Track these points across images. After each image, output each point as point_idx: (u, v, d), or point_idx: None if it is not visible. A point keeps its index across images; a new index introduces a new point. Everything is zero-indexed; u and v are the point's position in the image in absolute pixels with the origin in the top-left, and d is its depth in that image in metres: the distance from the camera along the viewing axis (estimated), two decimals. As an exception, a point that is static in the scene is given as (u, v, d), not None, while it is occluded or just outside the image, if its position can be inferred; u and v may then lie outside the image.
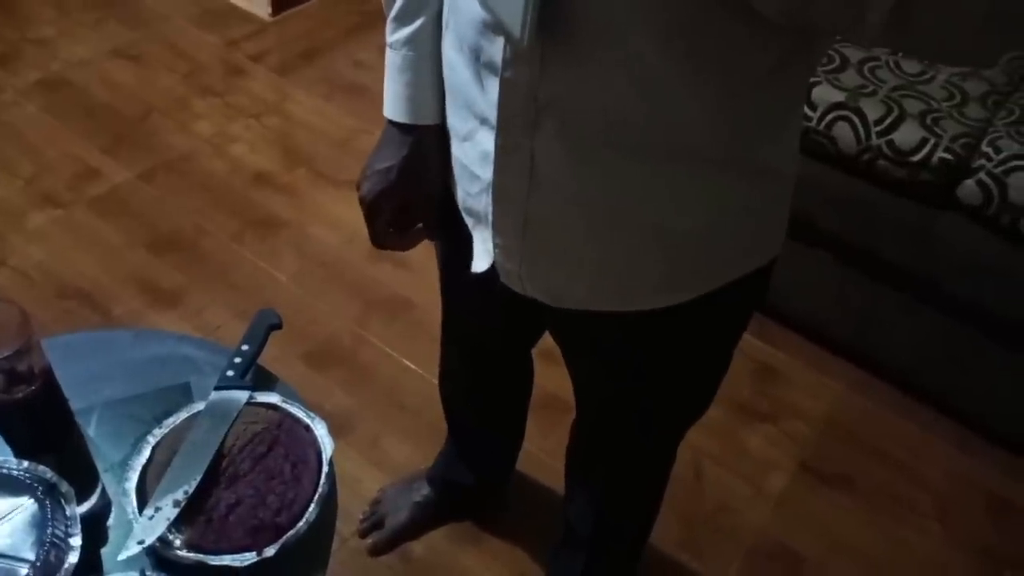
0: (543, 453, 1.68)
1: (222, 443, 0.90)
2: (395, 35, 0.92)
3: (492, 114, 0.79)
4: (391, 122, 0.95)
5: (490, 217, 0.87)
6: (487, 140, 0.81)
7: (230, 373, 0.97)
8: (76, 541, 0.76)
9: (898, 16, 0.57)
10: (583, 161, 0.77)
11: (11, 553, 0.73)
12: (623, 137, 0.75)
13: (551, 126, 0.76)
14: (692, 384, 1.06)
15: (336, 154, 2.43)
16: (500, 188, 0.83)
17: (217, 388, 0.96)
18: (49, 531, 0.75)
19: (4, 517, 0.75)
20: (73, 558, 0.75)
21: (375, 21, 2.84)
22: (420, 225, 1.01)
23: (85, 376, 0.99)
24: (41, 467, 0.79)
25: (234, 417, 0.93)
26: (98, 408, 0.98)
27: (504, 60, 0.74)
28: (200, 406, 0.95)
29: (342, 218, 2.23)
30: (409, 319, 2.01)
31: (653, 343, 0.95)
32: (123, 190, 2.28)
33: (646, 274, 0.86)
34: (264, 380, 1.01)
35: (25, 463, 0.79)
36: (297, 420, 0.94)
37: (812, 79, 1.73)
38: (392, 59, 0.93)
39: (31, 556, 0.73)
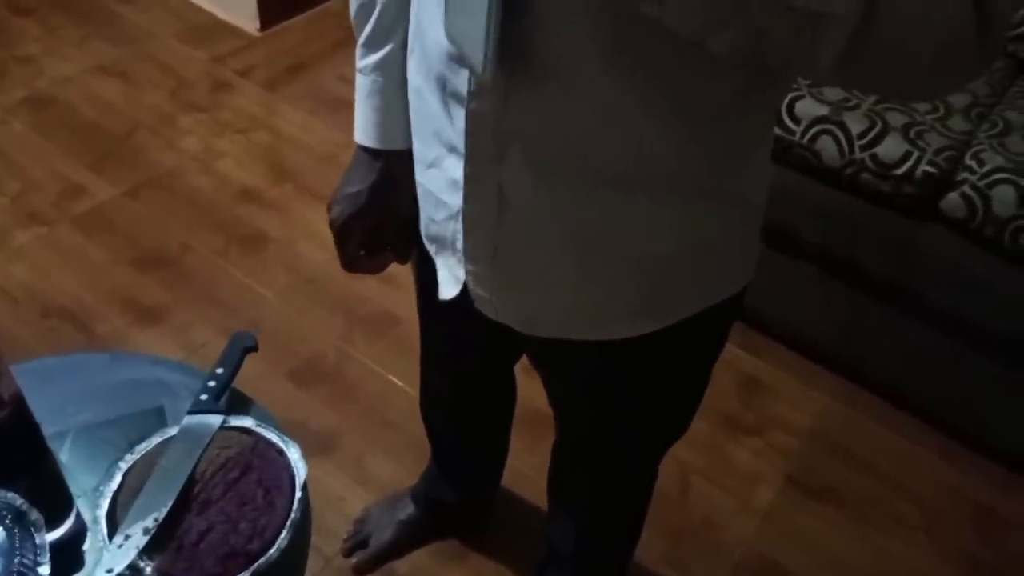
0: (528, 468, 1.67)
1: (194, 468, 0.89)
2: (364, 60, 0.92)
3: (460, 143, 0.79)
4: (361, 146, 0.94)
5: (459, 244, 0.86)
6: (455, 168, 0.81)
7: (204, 397, 0.96)
8: (45, 570, 0.75)
9: (849, 57, 0.58)
10: (551, 189, 0.77)
11: (-22, 583, 0.72)
12: (588, 166, 0.74)
13: (518, 155, 0.76)
14: (671, 407, 1.05)
15: (322, 169, 2.43)
16: (469, 216, 0.83)
17: (191, 412, 0.95)
18: (17, 560, 0.74)
19: (-29, 547, 0.74)
20: (41, 587, 0.74)
21: (362, 35, 2.84)
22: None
23: (59, 400, 0.98)
24: (10, 494, 0.78)
25: (207, 442, 0.92)
26: (72, 433, 0.97)
27: (469, 92, 0.74)
28: (173, 431, 0.93)
29: (328, 234, 2.21)
30: (394, 335, 2.01)
31: (630, 369, 0.95)
32: (108, 207, 2.27)
33: (618, 302, 0.86)
34: (239, 403, 1.00)
35: (-6, 491, 0.78)
36: (271, 444, 0.93)
37: (795, 93, 1.73)
38: (362, 84, 0.93)
39: (-2, 586, 0.72)
